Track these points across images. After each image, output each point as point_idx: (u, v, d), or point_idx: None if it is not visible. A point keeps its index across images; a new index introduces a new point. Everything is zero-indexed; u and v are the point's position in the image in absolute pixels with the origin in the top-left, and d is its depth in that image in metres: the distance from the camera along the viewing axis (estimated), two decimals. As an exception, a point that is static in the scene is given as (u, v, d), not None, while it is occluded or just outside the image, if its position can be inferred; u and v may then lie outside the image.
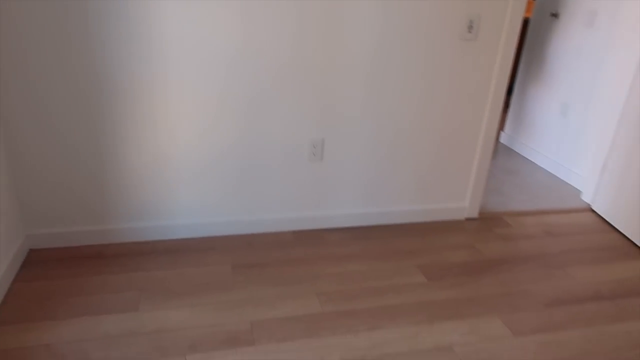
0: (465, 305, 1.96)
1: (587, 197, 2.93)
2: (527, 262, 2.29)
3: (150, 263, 2.09)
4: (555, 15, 3.25)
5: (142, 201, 2.17)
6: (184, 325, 1.76)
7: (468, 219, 2.64)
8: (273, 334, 1.75)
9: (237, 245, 2.26)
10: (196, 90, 2.01)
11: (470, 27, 2.18)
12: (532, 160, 3.52)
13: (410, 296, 2.00)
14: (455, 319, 1.88)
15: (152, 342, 1.67)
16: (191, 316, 1.80)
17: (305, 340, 1.73)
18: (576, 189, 3.11)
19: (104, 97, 1.94)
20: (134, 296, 1.89)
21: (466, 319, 1.89)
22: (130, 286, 1.94)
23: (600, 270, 2.27)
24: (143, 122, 2.02)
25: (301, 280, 2.05)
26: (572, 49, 3.13)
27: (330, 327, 1.80)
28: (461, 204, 2.62)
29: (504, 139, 3.86)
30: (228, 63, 1.99)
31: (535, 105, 3.50)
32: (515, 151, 3.70)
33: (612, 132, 2.69)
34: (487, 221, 2.64)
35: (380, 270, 2.15)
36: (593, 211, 2.83)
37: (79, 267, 2.03)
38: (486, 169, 2.54)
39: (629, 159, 2.55)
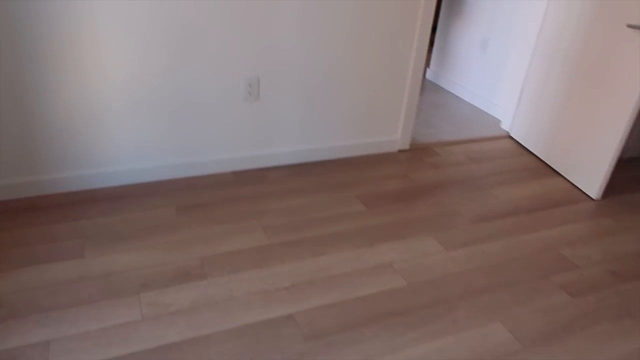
0: (402, 227, 2.12)
1: (506, 126, 3.16)
2: (455, 186, 2.48)
3: (91, 211, 2.05)
4: (475, -50, 3.35)
5: (76, 149, 2.10)
6: (133, 267, 1.78)
7: (400, 151, 2.79)
8: (224, 267, 1.81)
9: (179, 188, 2.27)
10: (124, 26, 1.93)
11: (396, -39, 2.22)
12: (457, 94, 3.71)
13: (350, 223, 2.12)
14: (393, 240, 2.04)
15: (102, 285, 1.68)
16: (140, 258, 1.82)
17: (256, 270, 1.81)
18: (496, 118, 3.35)
19: (25, 41, 1.82)
20: (78, 244, 1.87)
21: (403, 239, 2.04)
22: (73, 234, 1.91)
23: (518, 188, 2.50)
24: (70, 65, 1.92)
25: (246, 216, 2.11)
26: (491, -16, 3.26)
27: (278, 257, 1.89)
28: (394, 137, 2.75)
29: (430, 75, 4.02)
30: None
31: (457, 41, 3.65)
32: (441, 86, 3.88)
33: (527, 65, 2.89)
34: (418, 152, 2.80)
35: (322, 203, 2.25)
36: (511, 138, 3.07)
37: (14, 220, 1.96)
38: (415, 103, 2.67)
39: (541, 89, 2.77)
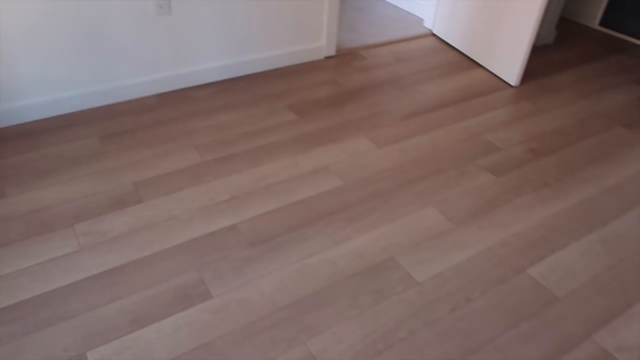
0: (334, 131, 2.14)
1: (428, 24, 3.17)
2: (383, 86, 2.50)
3: (5, 150, 1.91)
4: None
5: (-27, 85, 1.91)
6: (62, 200, 1.70)
7: (327, 57, 2.75)
8: (159, 189, 1.78)
9: (99, 116, 2.14)
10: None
11: None
12: (379, -3, 3.65)
13: (284, 133, 2.11)
14: (327, 144, 2.06)
15: (31, 221, 1.61)
16: (68, 191, 1.74)
17: (193, 188, 1.79)
18: (419, 17, 3.34)
19: None
20: (-4, 184, 1.75)
21: (336, 142, 2.07)
22: (-11, 176, 1.79)
23: (443, 83, 2.57)
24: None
25: (176, 137, 2.04)
26: None
27: (214, 173, 1.87)
28: (319, 43, 2.69)
29: (350, -21, 3.89)
30: None
31: (375, -62, 3.52)
32: (362, -10, 3.78)
33: (445, -45, 2.86)
34: (345, 57, 2.78)
35: (253, 116, 2.21)
36: (434, 35, 3.10)
37: None
38: (337, 7, 2.60)
39: (460, -20, 2.77)
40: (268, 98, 2.35)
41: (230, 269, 1.49)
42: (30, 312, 1.34)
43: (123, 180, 1.80)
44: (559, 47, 3.05)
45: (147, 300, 1.38)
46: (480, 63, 2.75)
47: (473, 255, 1.57)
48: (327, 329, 1.33)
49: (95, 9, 1.99)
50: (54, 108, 2.11)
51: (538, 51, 2.98)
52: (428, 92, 2.48)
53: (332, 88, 2.47)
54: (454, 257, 1.56)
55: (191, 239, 1.58)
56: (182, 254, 1.53)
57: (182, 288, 1.43)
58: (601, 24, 3.32)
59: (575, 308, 1.41)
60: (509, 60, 2.55)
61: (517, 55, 2.49)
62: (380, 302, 1.41)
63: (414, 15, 3.38)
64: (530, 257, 1.57)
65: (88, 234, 1.58)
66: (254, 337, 1.30)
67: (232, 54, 2.44)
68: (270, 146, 2.03)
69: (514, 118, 2.30)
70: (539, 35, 3.01)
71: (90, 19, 2.00)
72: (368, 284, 1.46)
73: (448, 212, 1.73)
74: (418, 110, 2.33)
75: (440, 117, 2.28)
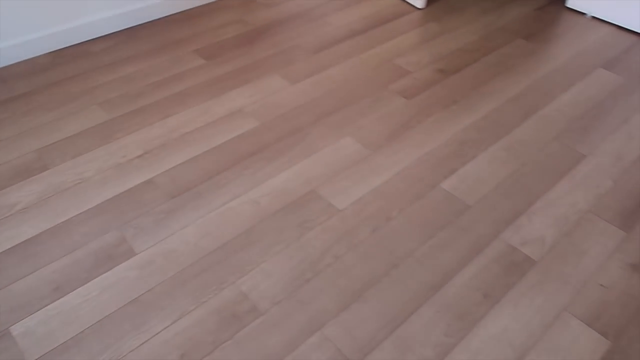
0: (245, 72, 2.09)
1: (333, -49, 3.08)
2: (292, 21, 2.45)
3: None
4: None
5: None
6: (-42, 178, 1.58)
7: (231, -4, 2.64)
8: (65, 153, 1.69)
9: (-13, 83, 1.97)
10: None
11: None
12: None
13: (193, 79, 2.04)
14: (239, 86, 2.01)
15: None
16: (-37, 167, 1.62)
17: (102, 148, 1.71)
18: (323, -55, 3.23)
19: None
20: None
21: (249, 83, 2.03)
22: None
23: (352, 12, 2.54)
24: None
25: (76, 97, 1.92)
26: None
27: (123, 129, 1.79)
28: (220, -19, 2.56)
29: None
30: None
31: None
32: None
33: None
34: (249, -6, 2.67)
35: (158, 65, 2.11)
36: (340, -37, 3.03)
37: None
38: (234, -63, 2.46)
39: None
40: (173, 44, 2.24)
41: (152, 223, 1.47)
42: (-60, 298, 1.27)
43: (24, 149, 1.69)
44: (462, -35, 3.07)
45: (68, 267, 1.35)
46: (387, -12, 2.73)
47: (390, 178, 1.63)
48: (256, 266, 1.36)
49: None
50: None
51: (442, -29, 3.00)
52: (337, 22, 2.45)
53: (239, 27, 2.38)
54: (372, 182, 1.61)
55: (107, 200, 1.53)
56: (100, 215, 1.48)
57: (104, 249, 1.40)
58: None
59: (485, 213, 1.52)
60: (413, -17, 2.55)
61: (421, -23, 2.50)
62: (305, 233, 1.45)
63: (318, -57, 3.27)
64: (442, 172, 1.65)
65: (-7, 209, 1.49)
66: (183, 285, 1.31)
67: (129, 0, 2.28)
68: (181, 94, 1.96)
69: (422, 40, 2.33)
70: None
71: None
72: (292, 219, 1.49)
73: (364, 140, 1.77)
74: (329, 41, 2.31)
75: (351, 46, 2.28)
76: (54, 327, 1.21)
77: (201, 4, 2.54)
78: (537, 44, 2.31)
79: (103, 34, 2.28)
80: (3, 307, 1.25)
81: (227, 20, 2.43)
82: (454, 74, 2.11)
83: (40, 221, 1.46)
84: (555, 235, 1.46)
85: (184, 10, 2.49)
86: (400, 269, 1.36)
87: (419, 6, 2.59)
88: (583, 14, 2.53)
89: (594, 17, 2.50)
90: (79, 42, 2.22)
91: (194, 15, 2.46)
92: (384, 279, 1.34)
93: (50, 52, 2.15)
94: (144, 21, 2.38)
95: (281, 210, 1.52)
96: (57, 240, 1.41)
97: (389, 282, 1.33)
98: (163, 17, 2.43)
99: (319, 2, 2.61)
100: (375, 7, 2.59)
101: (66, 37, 2.17)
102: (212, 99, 1.94)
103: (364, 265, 1.37)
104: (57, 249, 1.39)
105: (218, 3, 2.56)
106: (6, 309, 1.25)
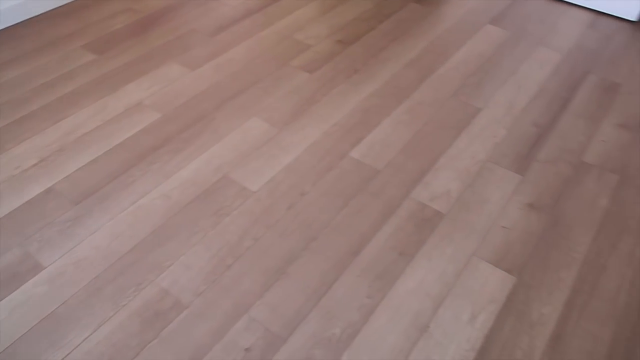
0: (141, 63, 2.00)
1: None
2: (185, 5, 2.36)
3: None
4: None
5: None
6: None
7: (116, -16, 2.49)
8: (-51, 172, 1.55)
9: None
10: None
11: None
12: None
13: (85, 77, 1.93)
14: (136, 78, 1.93)
15: None
16: None
17: (-9, 161, 1.59)
18: None
19: None
20: None
21: (145, 74, 1.95)
22: None
23: (246, -10, 2.50)
24: None
25: (-46, 109, 1.76)
26: None
27: (13, 139, 1.67)
28: (102, -31, 2.41)
29: None
30: None
31: None
32: None
33: None
34: (136, -20, 2.54)
35: (45, 65, 1.97)
36: (229, -60, 2.94)
37: None
38: None
39: None
40: (59, 41, 2.10)
41: (57, 234, 1.39)
42: None
43: None
44: None
45: (-32, 293, 1.25)
46: (280, -38, 2.70)
47: (300, 153, 1.64)
48: (175, 260, 1.34)
49: None
50: None
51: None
52: (233, 2, 2.40)
53: (129, 16, 2.27)
54: (283, 160, 1.62)
55: (4, 216, 1.43)
56: (-3, 233, 1.39)
57: (8, 268, 1.31)
58: None
59: (394, 175, 1.58)
60: (304, -45, 2.54)
61: (311, -52, 2.48)
62: (221, 220, 1.44)
63: None
64: (350, 142, 1.69)
65: None
66: (99, 292, 1.27)
67: (-2, -1, 2.09)
68: (73, 94, 1.84)
69: (319, 13, 2.34)
70: None
71: None
72: (206, 208, 1.47)
73: (271, 119, 1.77)
74: (226, 23, 2.26)
75: (249, 25, 2.24)
76: (-40, 360, 1.13)
77: (84, -5, 2.38)
78: (429, 6, 2.39)
79: (-24, 38, 2.08)
80: None
81: (114, 10, 2.31)
82: (353, 43, 2.15)
83: None
84: (459, 187, 1.55)
85: (67, 3, 2.33)
86: (318, 241, 1.39)
87: (313, -21, 2.58)
88: (468, -27, 2.64)
89: (478, -24, 2.62)
90: (-51, 49, 2.02)
91: (79, 7, 2.31)
92: (304, 253, 1.36)
93: None
94: (24, 18, 2.20)
95: (194, 200, 1.49)
96: (-48, 267, 1.30)
97: (309, 256, 1.36)
98: (45, 13, 2.26)
99: (211, -18, 2.54)
100: (269, -17, 2.56)
101: None
102: (108, 95, 1.84)
103: (283, 243, 1.39)
104: (-48, 276, 1.29)
105: (103, -8, 2.42)
106: None
